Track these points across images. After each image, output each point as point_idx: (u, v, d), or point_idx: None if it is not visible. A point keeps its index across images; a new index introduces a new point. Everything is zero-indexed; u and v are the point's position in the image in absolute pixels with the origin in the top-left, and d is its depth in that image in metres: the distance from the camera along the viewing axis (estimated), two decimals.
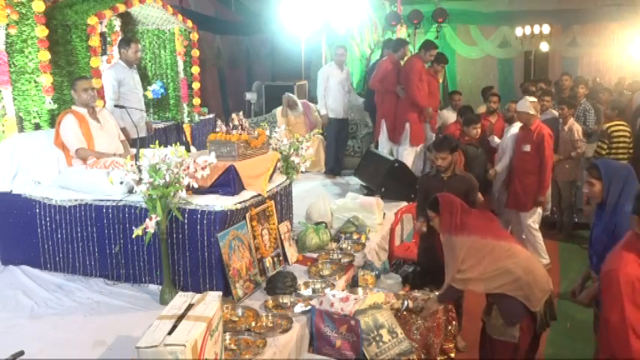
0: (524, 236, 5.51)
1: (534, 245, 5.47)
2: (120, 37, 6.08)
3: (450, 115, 7.12)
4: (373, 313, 3.16)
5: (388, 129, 6.66)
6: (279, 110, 7.65)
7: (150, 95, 6.46)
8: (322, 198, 5.05)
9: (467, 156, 5.32)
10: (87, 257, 3.84)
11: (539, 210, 5.50)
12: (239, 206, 3.54)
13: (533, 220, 5.46)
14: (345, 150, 7.35)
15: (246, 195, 3.66)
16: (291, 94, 7.71)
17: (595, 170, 3.08)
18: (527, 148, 5.30)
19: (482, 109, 7.20)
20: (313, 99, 7.92)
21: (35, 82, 4.69)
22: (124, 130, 4.65)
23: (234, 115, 3.87)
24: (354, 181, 6.50)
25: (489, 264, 3.26)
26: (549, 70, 11.95)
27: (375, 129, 7.30)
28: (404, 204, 5.52)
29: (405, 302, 3.54)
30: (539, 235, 5.52)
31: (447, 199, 3.52)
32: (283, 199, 4.33)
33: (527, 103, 5.30)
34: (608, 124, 6.20)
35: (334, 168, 7.06)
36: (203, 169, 3.28)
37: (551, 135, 5.32)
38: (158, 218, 3.20)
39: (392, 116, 6.62)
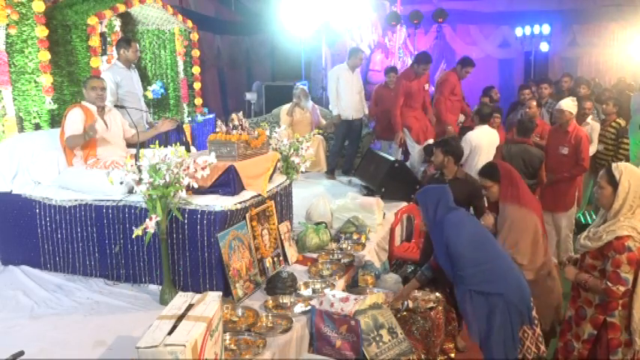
0: (555, 237, 5.46)
1: (565, 245, 5.43)
2: (118, 38, 6.08)
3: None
4: (373, 313, 3.16)
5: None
6: (284, 109, 7.44)
7: (150, 95, 6.45)
8: (322, 198, 5.05)
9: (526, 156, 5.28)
10: (87, 257, 3.83)
11: (573, 210, 5.47)
12: (239, 206, 3.54)
13: (568, 220, 5.42)
14: (356, 150, 7.32)
15: (246, 195, 3.66)
16: (304, 87, 7.66)
17: (415, 200, 3.43)
18: (565, 150, 5.20)
19: None
20: (314, 99, 7.89)
21: (35, 82, 4.70)
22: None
23: (234, 115, 3.86)
24: (354, 181, 6.49)
25: (527, 237, 3.50)
26: (549, 70, 11.95)
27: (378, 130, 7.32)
28: (404, 204, 5.51)
29: (405, 302, 3.54)
30: (570, 235, 5.46)
31: (507, 168, 3.71)
32: (283, 199, 4.33)
33: (571, 103, 5.26)
34: (623, 123, 6.17)
35: (346, 168, 7.05)
36: (203, 169, 3.28)
37: (588, 138, 5.27)
38: (158, 218, 3.20)
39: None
